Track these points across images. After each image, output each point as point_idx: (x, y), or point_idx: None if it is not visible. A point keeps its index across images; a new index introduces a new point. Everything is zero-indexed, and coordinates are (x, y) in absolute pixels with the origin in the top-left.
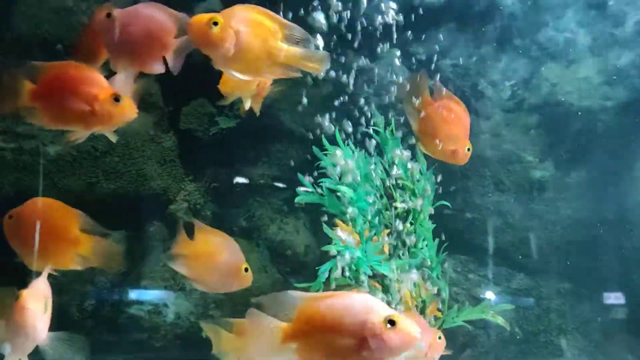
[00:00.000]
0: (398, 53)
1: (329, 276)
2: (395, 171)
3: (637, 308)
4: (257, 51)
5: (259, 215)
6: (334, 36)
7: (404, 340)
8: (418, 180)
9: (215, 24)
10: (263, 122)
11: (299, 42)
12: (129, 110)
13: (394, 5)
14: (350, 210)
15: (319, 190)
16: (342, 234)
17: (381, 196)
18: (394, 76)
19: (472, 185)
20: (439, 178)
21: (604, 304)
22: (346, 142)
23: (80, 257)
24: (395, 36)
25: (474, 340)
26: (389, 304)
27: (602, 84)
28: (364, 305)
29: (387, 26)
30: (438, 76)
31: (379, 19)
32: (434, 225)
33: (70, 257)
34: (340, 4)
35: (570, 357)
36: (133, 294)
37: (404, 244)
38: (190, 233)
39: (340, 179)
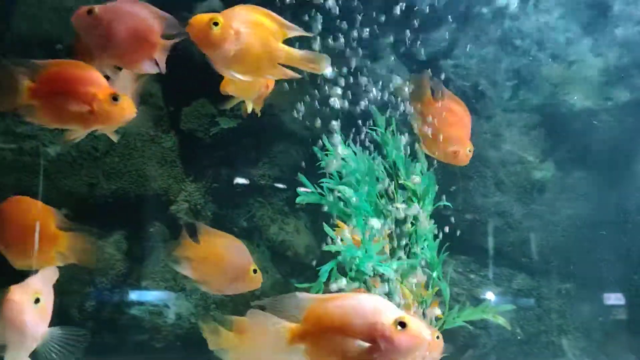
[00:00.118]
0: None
1: (329, 277)
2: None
3: (639, 308)
4: (257, 52)
5: (259, 215)
6: (335, 36)
7: (415, 342)
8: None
9: (216, 24)
10: (264, 122)
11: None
12: (127, 110)
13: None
14: (351, 210)
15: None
16: (346, 233)
17: (382, 196)
18: (396, 76)
19: (473, 185)
20: (440, 179)
21: (605, 305)
22: (347, 142)
23: (59, 254)
24: (396, 36)
25: (475, 341)
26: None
27: (603, 84)
28: (373, 306)
29: (388, 26)
30: (441, 76)
31: (380, 18)
32: (435, 225)
33: (50, 254)
34: (340, 4)
35: (571, 357)
36: (134, 295)
37: (404, 244)
38: (192, 235)
39: (341, 179)
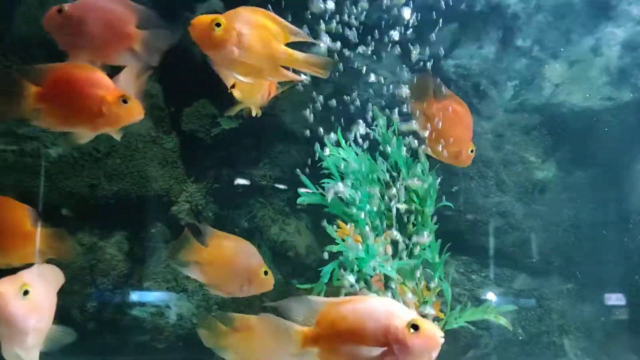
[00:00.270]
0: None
1: (331, 277)
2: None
3: None
4: (259, 54)
5: (260, 216)
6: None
7: (428, 344)
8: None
9: (218, 25)
10: (265, 123)
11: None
12: (136, 112)
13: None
14: (352, 211)
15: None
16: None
17: (383, 197)
18: (397, 77)
19: (474, 185)
20: (441, 179)
21: (606, 305)
22: (348, 142)
23: (37, 250)
24: (397, 36)
25: (477, 341)
26: None
27: (604, 84)
28: (386, 309)
29: (389, 26)
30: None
31: (381, 18)
32: (437, 225)
33: (26, 251)
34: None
35: (573, 357)
36: (135, 296)
37: (406, 245)
38: (195, 236)
39: (342, 179)
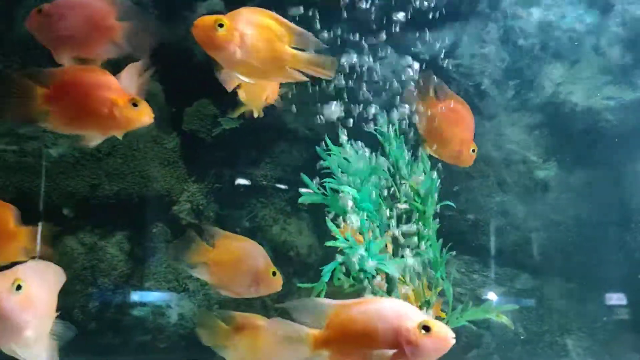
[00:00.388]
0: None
1: (332, 276)
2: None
3: None
4: (263, 54)
5: (262, 215)
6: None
7: (440, 345)
8: (422, 180)
9: (221, 25)
10: (266, 122)
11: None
12: (146, 115)
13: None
14: (353, 210)
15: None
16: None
17: (384, 196)
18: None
19: (476, 185)
20: (442, 178)
21: (608, 304)
22: (350, 142)
23: (22, 248)
24: (398, 35)
25: (479, 341)
26: None
27: (606, 84)
28: (397, 311)
29: (390, 25)
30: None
31: (382, 17)
32: (438, 224)
33: (11, 249)
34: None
35: (575, 357)
36: (136, 296)
37: (407, 244)
38: (199, 237)
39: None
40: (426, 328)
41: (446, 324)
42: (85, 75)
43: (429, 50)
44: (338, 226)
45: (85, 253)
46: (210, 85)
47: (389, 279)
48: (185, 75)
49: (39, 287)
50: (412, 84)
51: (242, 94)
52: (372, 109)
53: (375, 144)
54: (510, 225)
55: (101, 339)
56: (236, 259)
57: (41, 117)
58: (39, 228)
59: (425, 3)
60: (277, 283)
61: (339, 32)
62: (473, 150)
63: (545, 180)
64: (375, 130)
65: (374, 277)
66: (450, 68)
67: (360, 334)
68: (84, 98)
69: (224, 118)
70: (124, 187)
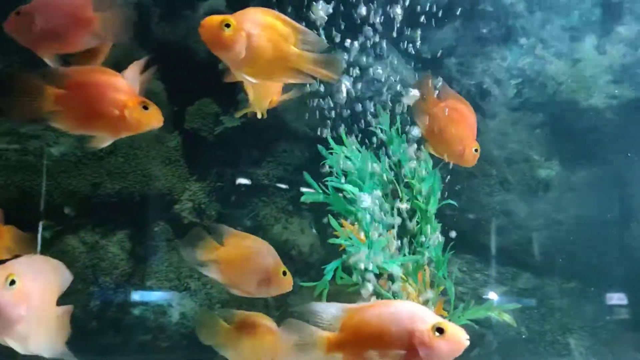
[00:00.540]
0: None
1: (334, 275)
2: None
3: None
4: (269, 55)
5: (263, 214)
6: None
7: (454, 347)
8: (424, 180)
9: (228, 25)
10: (268, 121)
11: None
12: (156, 118)
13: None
14: (355, 210)
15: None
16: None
17: (387, 195)
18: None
19: (478, 184)
20: (443, 177)
21: (610, 303)
22: (351, 140)
23: (5, 247)
24: (399, 35)
25: (481, 340)
26: None
27: (608, 82)
28: (410, 313)
29: (391, 24)
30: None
31: (383, 17)
32: (440, 223)
33: None
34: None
35: (577, 356)
36: (138, 295)
37: (409, 243)
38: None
39: (345, 178)
40: (440, 330)
41: None
42: (97, 76)
43: (430, 49)
44: (340, 225)
45: (87, 252)
46: (212, 84)
47: (391, 278)
48: (187, 74)
49: (34, 282)
50: (414, 84)
51: (250, 94)
52: (373, 108)
53: (378, 144)
54: (512, 224)
55: (102, 338)
56: (246, 257)
57: (51, 116)
58: (39, 228)
59: (427, 2)
60: (287, 283)
61: (339, 33)
62: (476, 150)
63: (547, 179)
64: (379, 129)
65: (377, 276)
66: (452, 67)
67: (374, 337)
68: (94, 99)
69: (225, 117)
70: (126, 186)
